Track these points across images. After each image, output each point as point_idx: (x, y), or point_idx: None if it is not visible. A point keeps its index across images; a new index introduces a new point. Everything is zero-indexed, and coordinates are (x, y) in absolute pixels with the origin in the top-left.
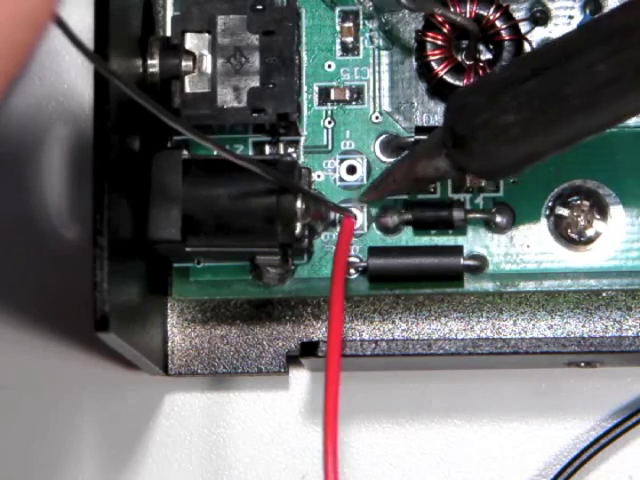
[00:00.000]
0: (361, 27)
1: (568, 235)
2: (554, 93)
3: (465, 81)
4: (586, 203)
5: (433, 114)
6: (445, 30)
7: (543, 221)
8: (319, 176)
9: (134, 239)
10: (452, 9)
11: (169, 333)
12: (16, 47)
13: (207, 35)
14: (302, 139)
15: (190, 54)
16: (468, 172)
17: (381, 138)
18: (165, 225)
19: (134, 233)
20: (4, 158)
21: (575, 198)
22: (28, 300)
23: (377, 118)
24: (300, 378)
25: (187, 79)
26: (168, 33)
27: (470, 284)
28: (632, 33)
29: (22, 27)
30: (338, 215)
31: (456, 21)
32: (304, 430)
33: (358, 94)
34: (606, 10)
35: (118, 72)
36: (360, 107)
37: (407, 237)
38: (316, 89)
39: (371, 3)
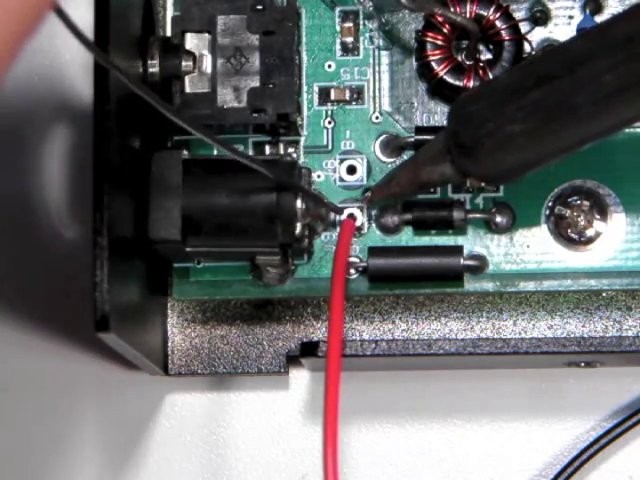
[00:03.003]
0: (361, 27)
1: (568, 235)
2: (561, 103)
3: (465, 81)
4: (586, 203)
5: (433, 114)
6: (445, 30)
7: (543, 221)
8: (319, 176)
9: (134, 239)
10: (452, 9)
11: (169, 333)
12: (12, 37)
13: (207, 35)
14: (302, 139)
15: (190, 54)
16: (473, 177)
17: (381, 138)
18: (165, 225)
19: (134, 233)
20: (4, 157)
21: (575, 198)
22: (28, 300)
23: (377, 118)
24: (300, 378)
25: (187, 79)
26: (168, 33)
27: (470, 284)
28: (636, 44)
29: (19, 17)
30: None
31: (456, 21)
32: (304, 430)
33: (358, 94)
34: (607, 10)
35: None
36: (360, 107)
37: (407, 237)
38: (316, 89)
39: (371, 3)
